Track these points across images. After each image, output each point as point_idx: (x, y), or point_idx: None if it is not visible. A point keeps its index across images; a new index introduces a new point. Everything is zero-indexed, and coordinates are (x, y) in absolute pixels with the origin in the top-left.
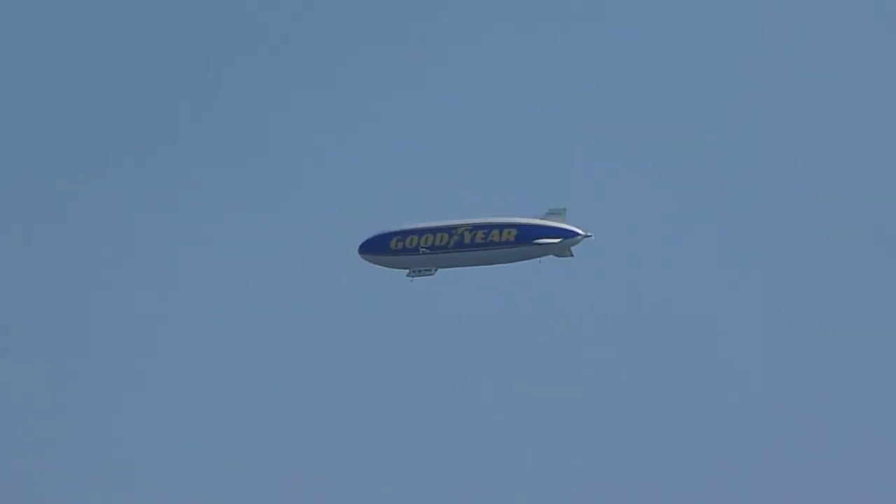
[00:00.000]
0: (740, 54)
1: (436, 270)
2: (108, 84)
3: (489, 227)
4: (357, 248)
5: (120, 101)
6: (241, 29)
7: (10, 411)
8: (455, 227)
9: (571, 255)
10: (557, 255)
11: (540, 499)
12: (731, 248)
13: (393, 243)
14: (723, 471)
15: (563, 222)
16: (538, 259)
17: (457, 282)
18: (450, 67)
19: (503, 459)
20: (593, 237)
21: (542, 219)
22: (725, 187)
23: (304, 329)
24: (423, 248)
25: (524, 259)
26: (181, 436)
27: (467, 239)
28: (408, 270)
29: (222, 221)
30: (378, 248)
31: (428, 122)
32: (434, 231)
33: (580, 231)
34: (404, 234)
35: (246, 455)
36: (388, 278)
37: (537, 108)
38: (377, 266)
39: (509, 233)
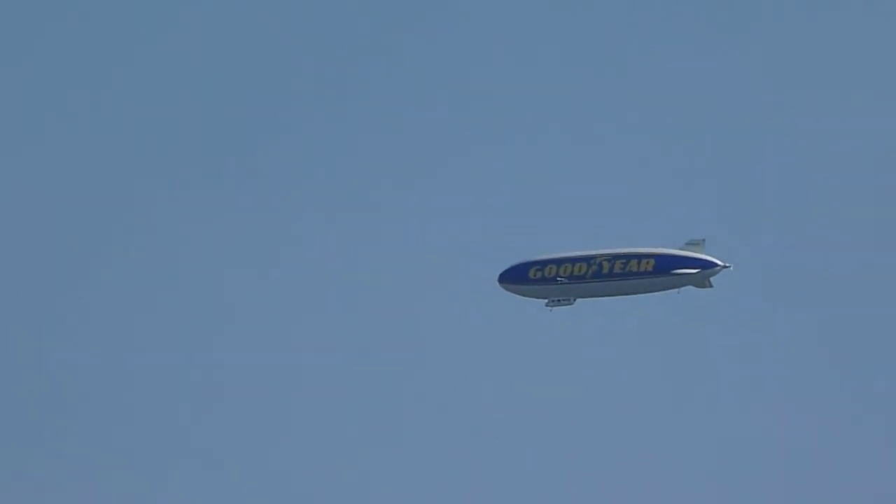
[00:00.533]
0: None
1: (574, 300)
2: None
3: (627, 257)
4: (497, 277)
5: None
6: (376, 32)
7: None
8: (593, 257)
9: (711, 286)
10: (696, 286)
11: None
12: (878, 276)
13: (532, 273)
14: None
15: (701, 253)
16: (676, 290)
17: (595, 312)
18: (595, 94)
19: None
20: (732, 268)
21: (680, 249)
22: (863, 221)
23: (444, 356)
24: (560, 277)
25: (663, 289)
26: (311, 458)
27: (605, 269)
28: (546, 300)
29: (368, 249)
30: (517, 277)
31: (568, 153)
32: (573, 261)
33: (719, 262)
34: (543, 263)
35: (386, 483)
36: (527, 308)
37: (677, 140)
38: (516, 295)
39: (648, 263)
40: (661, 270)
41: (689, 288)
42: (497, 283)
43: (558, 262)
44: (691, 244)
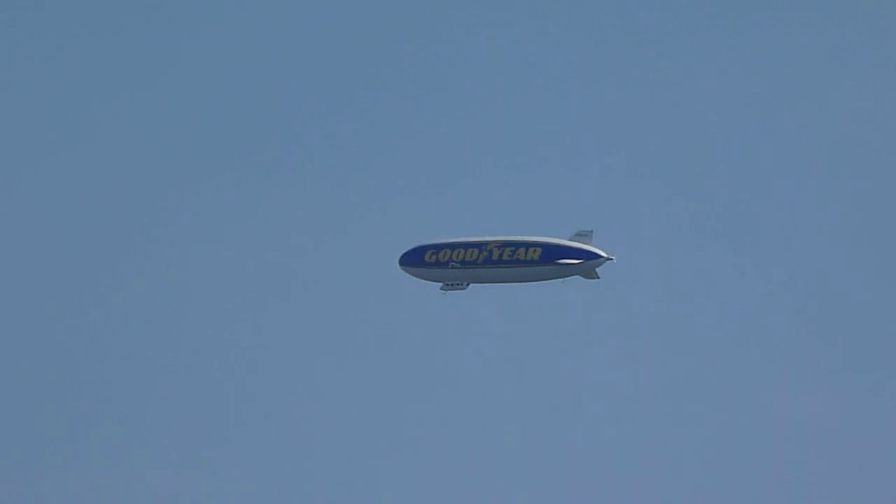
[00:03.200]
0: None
1: (467, 285)
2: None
3: (516, 245)
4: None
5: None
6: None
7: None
8: (485, 244)
9: (598, 277)
10: (584, 277)
11: None
12: (753, 267)
13: (428, 256)
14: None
15: (588, 244)
16: (562, 279)
17: (486, 298)
18: (493, 90)
19: (515, 473)
20: (615, 260)
21: (569, 239)
22: (751, 208)
23: (343, 335)
24: (453, 262)
25: (549, 278)
26: (200, 437)
27: (496, 255)
28: (441, 284)
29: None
30: (415, 260)
31: (480, 144)
32: (465, 246)
33: (603, 253)
34: (438, 247)
35: (276, 464)
36: (424, 290)
37: (586, 134)
38: (414, 278)
39: (535, 251)
40: (547, 259)
41: (578, 278)
42: (398, 265)
43: (452, 246)
44: (579, 235)
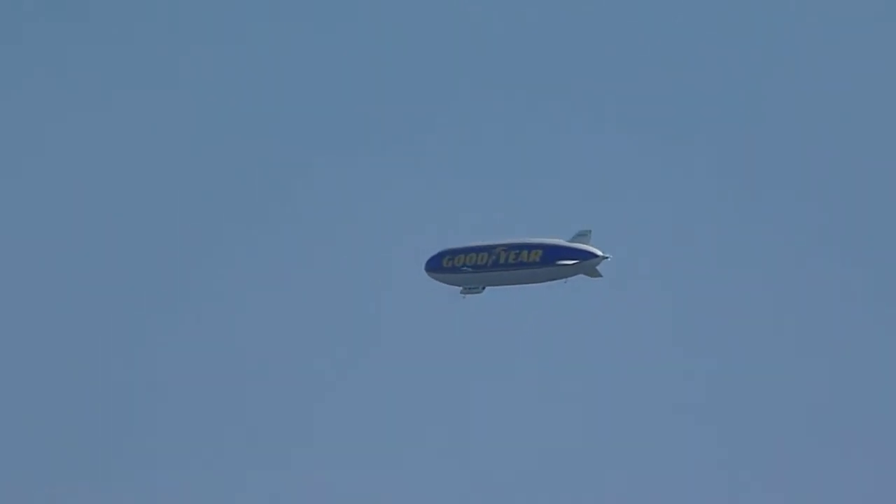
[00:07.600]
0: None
1: (483, 288)
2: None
3: (520, 248)
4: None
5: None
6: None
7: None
8: (494, 247)
9: (600, 276)
10: (588, 276)
11: None
12: (748, 261)
13: (445, 261)
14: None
15: (587, 244)
16: (564, 279)
17: (499, 300)
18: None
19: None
20: (611, 258)
21: (570, 240)
22: (746, 203)
23: (370, 339)
24: (466, 266)
25: (549, 279)
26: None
27: (502, 259)
28: (461, 288)
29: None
30: (434, 266)
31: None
32: (477, 251)
33: (599, 252)
34: (454, 252)
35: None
36: (445, 295)
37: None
38: (438, 283)
39: (536, 253)
40: (547, 261)
41: (582, 277)
42: (424, 271)
43: (465, 251)
44: (580, 235)
